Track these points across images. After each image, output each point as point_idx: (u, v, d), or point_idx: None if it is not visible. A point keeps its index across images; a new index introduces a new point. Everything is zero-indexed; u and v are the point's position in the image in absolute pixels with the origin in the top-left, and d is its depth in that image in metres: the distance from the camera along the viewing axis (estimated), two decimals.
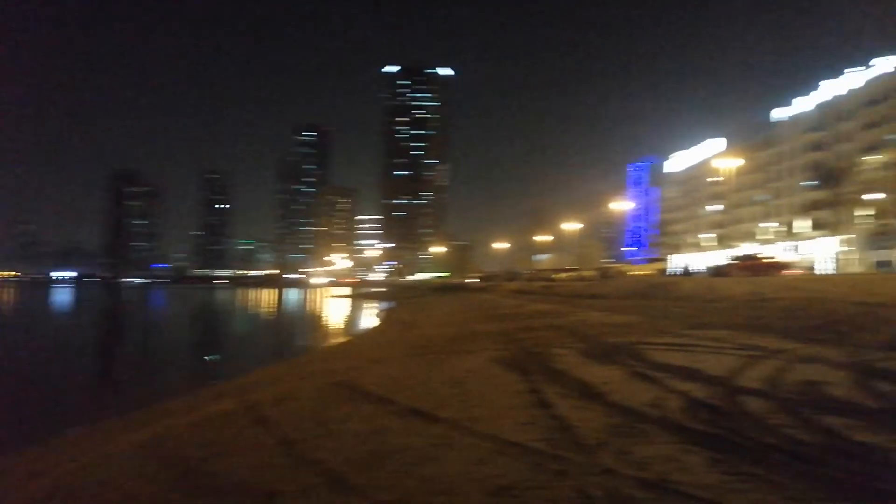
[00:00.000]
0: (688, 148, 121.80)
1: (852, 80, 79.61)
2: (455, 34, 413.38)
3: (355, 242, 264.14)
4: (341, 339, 19.98)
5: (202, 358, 16.92)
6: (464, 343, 11.54)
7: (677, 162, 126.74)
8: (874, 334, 8.27)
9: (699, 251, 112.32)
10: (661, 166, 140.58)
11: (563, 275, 53.79)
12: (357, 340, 18.43)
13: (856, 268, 69.82)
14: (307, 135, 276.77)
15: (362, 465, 4.30)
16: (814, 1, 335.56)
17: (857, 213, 71.53)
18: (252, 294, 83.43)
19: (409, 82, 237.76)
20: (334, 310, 43.58)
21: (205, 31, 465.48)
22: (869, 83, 77.56)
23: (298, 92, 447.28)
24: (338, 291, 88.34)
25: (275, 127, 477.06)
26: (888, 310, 11.33)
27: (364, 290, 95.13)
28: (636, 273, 44.32)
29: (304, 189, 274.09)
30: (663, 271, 46.36)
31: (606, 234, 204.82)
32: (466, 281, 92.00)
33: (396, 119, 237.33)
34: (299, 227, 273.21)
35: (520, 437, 4.51)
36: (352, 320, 32.77)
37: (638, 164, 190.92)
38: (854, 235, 69.47)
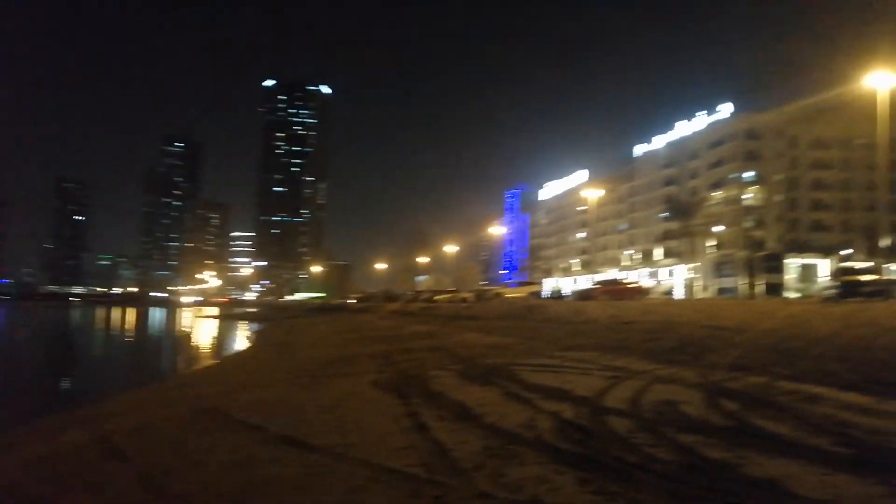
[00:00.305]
0: (559, 178, 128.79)
1: (699, 122, 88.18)
2: (337, 53, 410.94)
3: (228, 260, 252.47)
4: (210, 363, 18.89)
5: (47, 384, 15.27)
6: (341, 366, 11.30)
7: (549, 190, 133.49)
8: (721, 356, 9.02)
9: (568, 275, 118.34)
10: (535, 194, 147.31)
11: (443, 296, 54.36)
12: (227, 364, 17.51)
13: (704, 293, 76.48)
14: (177, 146, 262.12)
15: (229, 498, 4.04)
16: (678, 48, 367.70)
17: (705, 243, 78.72)
18: (111, 313, 77.10)
19: (289, 98, 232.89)
20: (203, 331, 41.24)
21: (70, 31, 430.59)
22: (711, 126, 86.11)
23: (173, 101, 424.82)
24: (208, 311, 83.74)
25: (145, 137, 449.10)
26: (731, 333, 12.45)
27: (237, 310, 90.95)
28: (511, 295, 45.69)
29: (172, 203, 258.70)
30: (537, 294, 48.17)
31: (484, 257, 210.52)
32: (345, 301, 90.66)
33: (275, 134, 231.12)
34: (167, 242, 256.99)
35: (397, 463, 4.44)
36: (222, 342, 31.13)
37: (514, 190, 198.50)
38: (700, 264, 76.25)
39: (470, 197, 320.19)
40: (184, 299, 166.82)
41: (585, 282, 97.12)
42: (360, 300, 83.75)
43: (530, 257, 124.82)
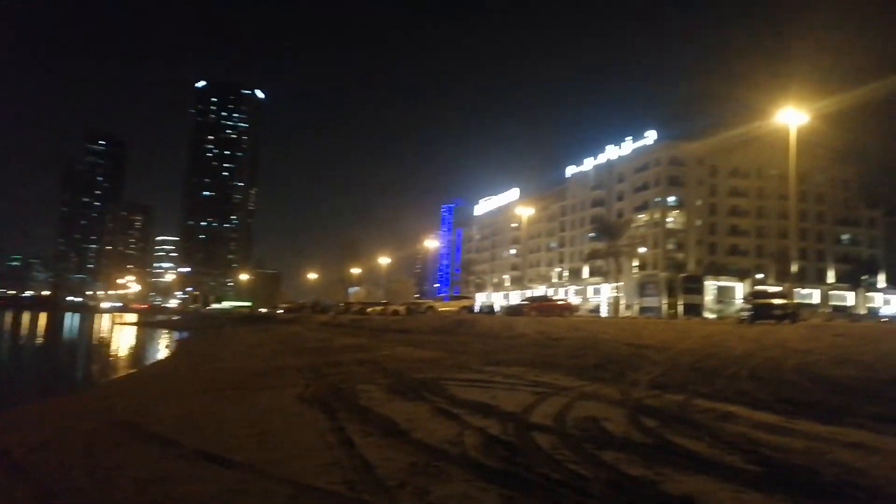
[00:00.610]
0: (493, 194, 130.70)
1: (627, 147, 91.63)
2: (274, 59, 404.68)
3: (151, 265, 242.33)
4: (126, 373, 18.00)
5: None
6: (267, 378, 10.98)
7: (483, 206, 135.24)
8: (643, 373, 9.29)
9: (500, 290, 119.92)
10: (469, 209, 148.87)
11: (374, 308, 53.92)
12: (145, 374, 16.73)
13: (628, 312, 79.04)
14: (100, 144, 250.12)
15: None
16: (611, 73, 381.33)
17: (630, 263, 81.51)
18: (19, 317, 72.40)
19: (222, 101, 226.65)
20: (122, 338, 39.33)
21: None
22: (637, 151, 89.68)
23: (98, 98, 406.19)
24: (128, 318, 79.97)
25: (65, 133, 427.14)
26: (652, 351, 12.87)
27: (159, 317, 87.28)
28: (443, 309, 45.83)
29: (93, 203, 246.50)
30: (469, 309, 48.50)
31: (418, 270, 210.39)
32: (273, 311, 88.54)
33: (205, 137, 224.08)
34: (85, 244, 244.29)
35: (320, 481, 4.33)
36: (141, 351, 29.75)
37: (450, 204, 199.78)
38: (624, 283, 78.83)
39: (405, 209, 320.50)
40: (102, 305, 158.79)
41: (516, 297, 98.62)
42: (289, 310, 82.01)
43: (463, 272, 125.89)
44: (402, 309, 48.43)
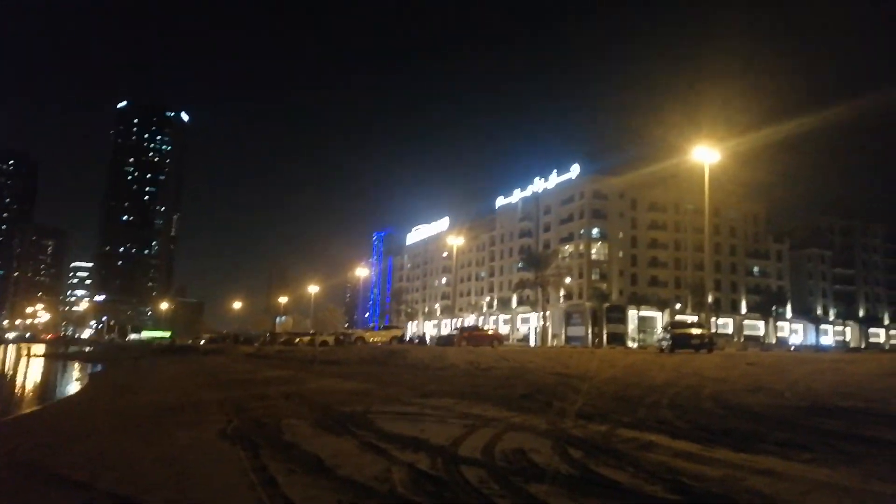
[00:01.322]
0: (425, 223, 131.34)
1: (553, 180, 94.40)
2: (199, 81, 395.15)
3: (65, 293, 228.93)
4: (32, 409, 16.80)
5: None
6: (186, 413, 10.49)
7: (415, 235, 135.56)
8: (569, 403, 9.45)
9: (431, 320, 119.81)
10: (401, 238, 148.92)
11: (302, 339, 52.67)
12: (52, 410, 15.66)
13: (555, 341, 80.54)
14: (9, 164, 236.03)
15: None
16: (539, 109, 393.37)
17: (557, 293, 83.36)
18: None
19: (144, 122, 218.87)
20: (29, 371, 36.74)
21: None
22: (562, 184, 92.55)
23: (8, 115, 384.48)
24: (36, 349, 74.95)
25: None
26: (578, 381, 13.13)
27: (71, 348, 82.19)
28: (374, 339, 45.33)
29: None
30: (399, 338, 48.19)
31: (348, 299, 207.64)
32: (195, 342, 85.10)
33: (126, 159, 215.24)
34: None
35: None
36: (50, 384, 27.87)
37: (381, 232, 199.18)
38: (550, 313, 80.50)
39: (336, 237, 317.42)
40: (7, 335, 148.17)
41: (447, 326, 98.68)
42: (211, 341, 79.02)
43: (394, 301, 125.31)
44: (330, 339, 47.56)
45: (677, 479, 4.81)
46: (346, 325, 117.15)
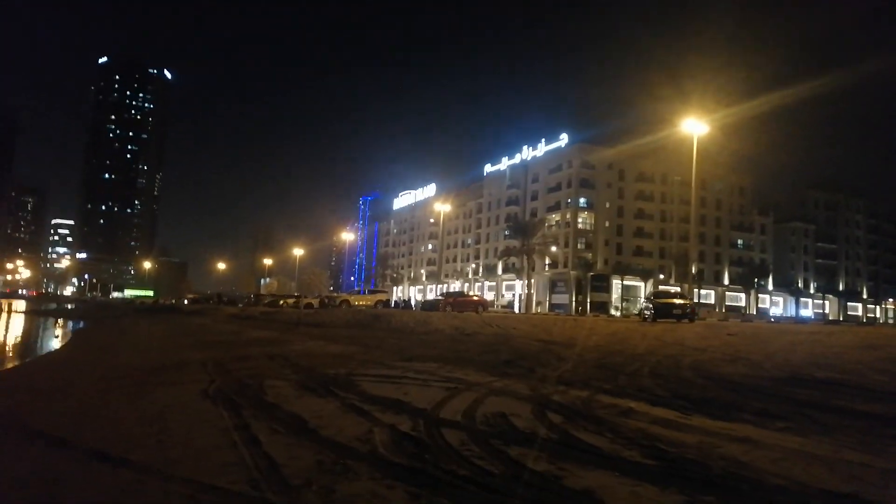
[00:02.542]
0: (412, 189, 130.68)
1: (541, 148, 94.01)
2: (183, 38, 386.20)
3: (46, 250, 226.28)
4: (12, 365, 16.72)
5: None
6: (168, 373, 10.49)
7: (402, 201, 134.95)
8: (551, 369, 9.56)
9: (416, 285, 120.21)
10: (388, 203, 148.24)
11: (287, 301, 52.74)
12: (33, 367, 15.59)
13: (539, 309, 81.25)
14: None
15: None
16: (529, 77, 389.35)
17: (543, 261, 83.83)
18: None
19: (126, 79, 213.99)
20: (9, 328, 36.51)
21: None
22: (550, 153, 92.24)
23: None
24: (17, 306, 74.39)
25: None
26: (561, 348, 13.28)
27: (52, 305, 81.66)
28: (359, 303, 45.46)
29: None
30: (385, 303, 48.37)
31: (333, 263, 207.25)
32: (179, 302, 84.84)
33: (108, 116, 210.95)
34: None
35: (221, 480, 4.17)
36: (31, 341, 27.72)
37: (367, 196, 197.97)
38: (535, 280, 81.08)
39: (322, 200, 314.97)
40: None
41: (433, 292, 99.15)
42: (195, 302, 78.85)
43: (379, 265, 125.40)
44: (315, 302, 47.67)
45: (654, 445, 4.90)
46: (331, 289, 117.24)
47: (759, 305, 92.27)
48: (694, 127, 35.80)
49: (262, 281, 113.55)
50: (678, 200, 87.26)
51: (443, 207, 74.52)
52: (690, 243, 68.26)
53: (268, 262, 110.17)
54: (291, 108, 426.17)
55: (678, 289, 66.37)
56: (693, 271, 52.62)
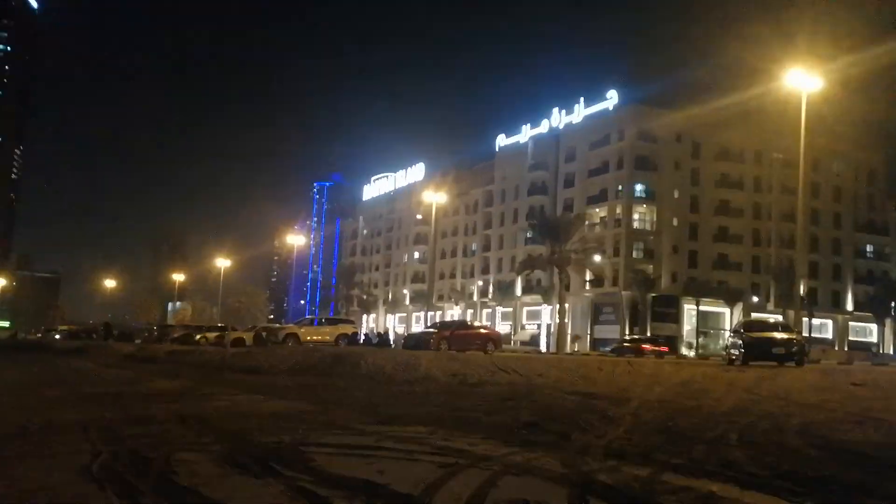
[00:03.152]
0: (391, 171, 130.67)
1: (579, 112, 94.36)
2: None
3: None
4: None
5: None
6: (32, 441, 10.42)
7: (375, 188, 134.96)
8: (595, 435, 9.53)
9: (397, 311, 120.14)
10: (355, 191, 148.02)
11: (207, 335, 52.76)
12: None
13: (576, 346, 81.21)
14: None
15: None
16: (556, 20, 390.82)
17: (582, 277, 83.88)
18: None
19: None
20: None
21: None
22: (591, 118, 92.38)
23: None
24: None
25: None
26: (609, 404, 13.25)
27: None
28: (313, 338, 45.37)
29: None
30: (350, 338, 48.22)
31: (274, 278, 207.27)
32: (49, 336, 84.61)
33: None
34: None
35: None
36: None
37: (325, 182, 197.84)
38: (569, 305, 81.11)
39: (259, 190, 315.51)
40: None
41: (420, 323, 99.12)
42: (73, 335, 78.63)
43: (342, 282, 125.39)
44: (248, 337, 47.62)
45: None
46: (272, 317, 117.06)
47: None
48: (802, 81, 35.93)
49: (171, 306, 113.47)
50: (779, 188, 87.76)
51: (435, 198, 74.30)
52: (797, 251, 68.53)
53: (178, 278, 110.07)
54: (217, 60, 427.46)
55: (779, 317, 66.56)
56: (801, 292, 52.75)
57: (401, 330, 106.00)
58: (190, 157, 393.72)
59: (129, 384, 20.59)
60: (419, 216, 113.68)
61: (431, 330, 45.18)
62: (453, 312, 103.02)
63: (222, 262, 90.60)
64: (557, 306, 73.89)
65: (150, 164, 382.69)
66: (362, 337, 64.47)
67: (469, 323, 58.04)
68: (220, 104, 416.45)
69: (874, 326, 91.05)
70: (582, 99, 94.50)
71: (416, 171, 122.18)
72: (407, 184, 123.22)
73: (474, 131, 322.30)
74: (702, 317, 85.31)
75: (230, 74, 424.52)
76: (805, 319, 59.90)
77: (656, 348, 61.15)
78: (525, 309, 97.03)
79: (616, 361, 28.14)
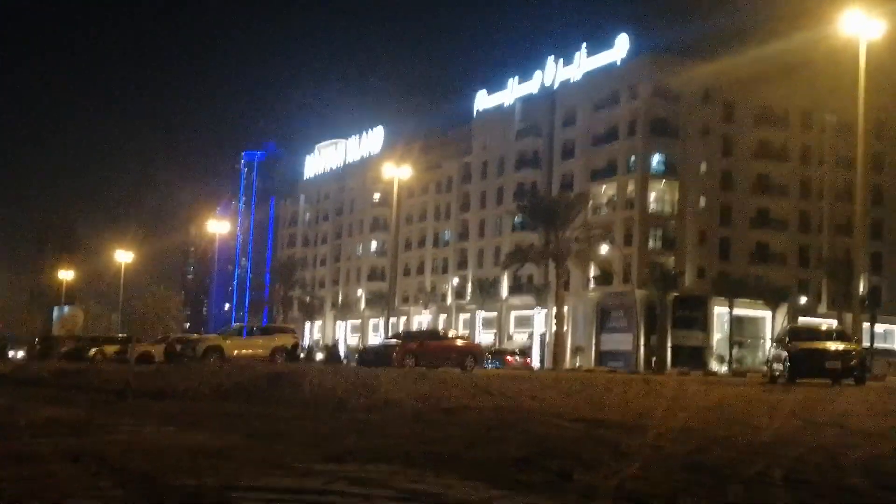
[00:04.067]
0: (341, 137, 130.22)
1: (580, 63, 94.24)
2: None
3: None
4: None
5: None
6: None
7: (322, 160, 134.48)
8: (603, 473, 9.54)
9: (349, 318, 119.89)
10: (295, 164, 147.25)
11: (106, 349, 52.48)
12: None
13: (578, 359, 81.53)
14: None
15: None
16: None
17: (585, 273, 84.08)
18: None
19: None
20: None
21: None
22: (595, 72, 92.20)
23: None
24: None
25: None
26: (621, 433, 13.28)
27: None
28: (242, 353, 45.22)
29: None
30: (290, 351, 48.02)
31: (192, 276, 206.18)
32: None
33: None
34: None
35: None
36: None
37: (256, 152, 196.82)
38: (569, 307, 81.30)
39: (168, 163, 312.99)
40: None
41: (379, 332, 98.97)
42: None
43: (279, 281, 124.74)
44: (158, 351, 47.37)
45: None
46: (188, 325, 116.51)
47: None
48: (861, 25, 36.16)
49: (57, 312, 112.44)
50: (832, 160, 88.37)
51: (398, 172, 73.84)
52: (856, 239, 69.26)
53: (66, 276, 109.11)
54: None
55: (834, 323, 67.16)
56: (861, 290, 53.25)
57: (354, 341, 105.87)
58: (79, 127, 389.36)
59: (5, 413, 20.42)
60: (377, 196, 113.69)
61: (394, 341, 45.15)
62: (421, 319, 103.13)
63: (123, 256, 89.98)
64: (554, 310, 74.07)
65: (31, 137, 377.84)
66: (305, 351, 64.36)
67: (442, 332, 58.03)
68: (117, 55, 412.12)
69: None
70: (584, 46, 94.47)
71: (374, 139, 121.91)
72: (361, 155, 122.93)
73: (447, 88, 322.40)
74: (736, 322, 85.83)
75: (143, 19, 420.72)
76: (866, 325, 60.48)
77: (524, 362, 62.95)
78: (513, 314, 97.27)
79: (629, 381, 28.29)
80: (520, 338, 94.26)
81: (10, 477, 10.30)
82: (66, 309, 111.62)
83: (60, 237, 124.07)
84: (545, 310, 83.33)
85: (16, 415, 19.85)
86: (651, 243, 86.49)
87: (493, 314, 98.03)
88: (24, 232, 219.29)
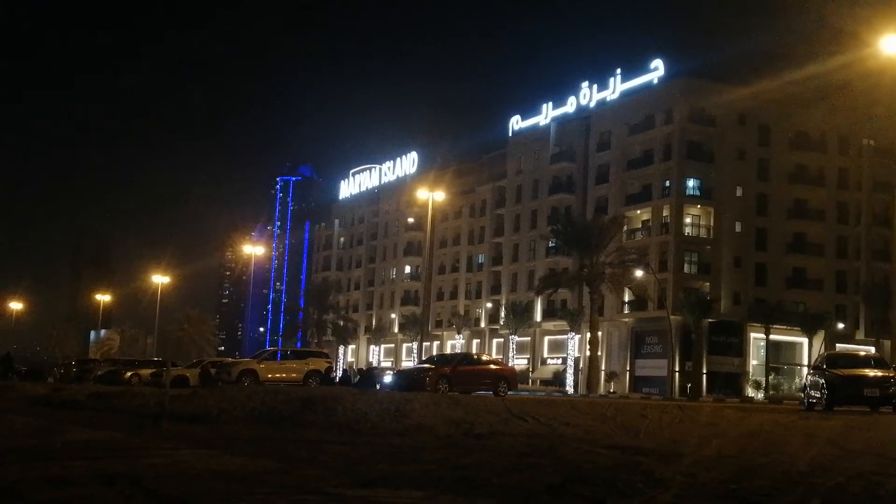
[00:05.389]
0: (376, 162, 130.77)
1: (615, 87, 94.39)
2: None
3: None
4: None
5: None
6: None
7: (355, 184, 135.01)
8: (639, 502, 9.48)
9: (383, 342, 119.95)
10: (329, 188, 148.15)
11: (141, 372, 52.87)
12: None
13: (613, 385, 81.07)
14: None
15: None
16: None
17: (619, 297, 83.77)
18: None
19: None
20: None
21: None
22: (630, 95, 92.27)
23: None
24: None
25: None
26: (655, 461, 13.20)
27: None
28: (276, 377, 45.48)
29: None
30: (324, 375, 48.24)
31: (227, 299, 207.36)
32: None
33: None
34: None
35: None
36: None
37: (291, 177, 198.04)
38: (603, 333, 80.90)
39: (204, 186, 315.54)
40: None
41: (412, 357, 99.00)
42: None
43: (313, 304, 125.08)
44: (193, 374, 47.68)
45: None
46: (223, 349, 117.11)
47: None
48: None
49: (94, 335, 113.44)
50: (870, 184, 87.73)
51: (432, 196, 74.01)
52: (894, 264, 68.60)
53: (103, 298, 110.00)
54: (151, 23, 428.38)
55: (872, 349, 66.52)
56: None
57: (388, 365, 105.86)
58: (118, 152, 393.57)
59: (41, 436, 20.52)
60: (411, 220, 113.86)
61: (427, 366, 45.10)
62: (455, 343, 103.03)
63: (159, 280, 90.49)
64: (588, 335, 73.81)
65: (65, 156, 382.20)
66: (339, 375, 64.47)
67: (475, 356, 57.95)
68: (167, 78, 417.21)
69: None
70: (619, 71, 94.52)
71: (408, 163, 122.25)
72: (396, 178, 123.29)
73: (482, 112, 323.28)
74: (773, 349, 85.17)
75: (180, 45, 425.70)
76: None
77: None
78: (546, 338, 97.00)
79: (664, 406, 28.11)
80: (553, 363, 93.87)
81: (46, 500, 10.37)
82: (103, 332, 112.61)
83: (97, 260, 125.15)
84: (578, 335, 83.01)
85: (52, 437, 19.99)
86: (686, 268, 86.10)
87: (527, 339, 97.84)
88: (61, 255, 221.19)
